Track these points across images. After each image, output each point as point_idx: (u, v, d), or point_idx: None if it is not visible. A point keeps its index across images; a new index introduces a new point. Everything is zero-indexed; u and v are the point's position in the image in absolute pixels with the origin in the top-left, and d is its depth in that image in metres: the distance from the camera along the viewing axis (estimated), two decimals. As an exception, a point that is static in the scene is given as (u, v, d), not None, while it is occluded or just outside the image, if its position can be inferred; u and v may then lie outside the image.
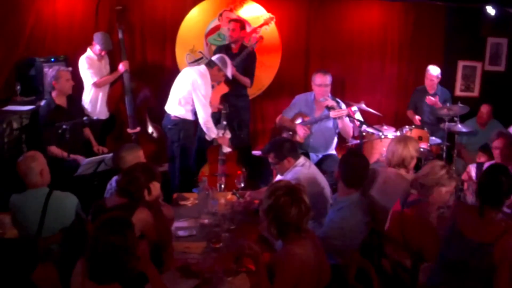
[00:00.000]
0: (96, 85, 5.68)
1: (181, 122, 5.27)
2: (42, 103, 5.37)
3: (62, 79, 5.10)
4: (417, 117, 6.34)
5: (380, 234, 3.51)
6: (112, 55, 5.96)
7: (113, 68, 5.92)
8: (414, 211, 3.30)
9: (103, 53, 5.70)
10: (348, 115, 5.07)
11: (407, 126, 5.83)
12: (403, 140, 3.97)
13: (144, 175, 3.02)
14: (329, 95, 5.23)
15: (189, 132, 5.35)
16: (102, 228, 2.24)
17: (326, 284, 2.71)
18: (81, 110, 5.45)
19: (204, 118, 5.19)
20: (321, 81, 5.19)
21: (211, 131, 5.26)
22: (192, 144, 5.48)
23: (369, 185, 3.94)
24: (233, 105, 5.79)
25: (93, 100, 5.72)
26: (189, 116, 5.29)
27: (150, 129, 6.04)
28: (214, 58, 5.35)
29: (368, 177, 3.94)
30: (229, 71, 5.34)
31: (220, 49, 6.01)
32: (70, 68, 5.27)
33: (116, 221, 2.29)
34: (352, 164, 3.43)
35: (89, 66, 5.63)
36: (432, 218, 3.30)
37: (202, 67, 5.30)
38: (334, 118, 5.11)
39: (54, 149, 5.00)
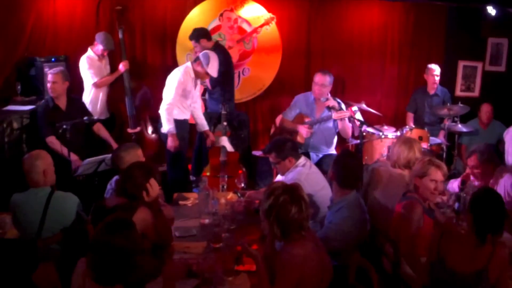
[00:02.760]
0: (97, 85, 5.68)
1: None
2: (42, 102, 5.37)
3: (47, 81, 5.09)
4: (411, 123, 6.35)
5: (380, 233, 3.51)
6: (112, 55, 5.96)
7: (113, 68, 5.92)
8: (400, 206, 3.43)
9: (105, 53, 5.71)
10: (350, 117, 5.08)
11: (407, 126, 5.82)
12: (408, 142, 3.99)
13: (140, 172, 2.99)
14: (329, 95, 5.23)
15: (181, 133, 5.24)
16: (103, 230, 2.21)
17: (328, 284, 2.71)
18: (83, 112, 5.19)
19: (162, 106, 5.10)
20: (318, 80, 5.20)
21: (163, 122, 5.11)
22: (183, 146, 5.35)
23: (371, 185, 3.95)
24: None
25: (93, 100, 5.71)
26: (181, 116, 5.25)
27: (150, 129, 6.03)
28: (200, 54, 5.24)
29: (370, 177, 3.96)
30: (212, 70, 5.11)
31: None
32: (57, 70, 5.07)
33: (117, 222, 2.26)
34: (346, 164, 3.42)
35: (89, 66, 5.63)
36: (416, 214, 3.31)
37: (188, 63, 5.28)
38: (335, 120, 5.12)
39: (53, 139, 4.87)
